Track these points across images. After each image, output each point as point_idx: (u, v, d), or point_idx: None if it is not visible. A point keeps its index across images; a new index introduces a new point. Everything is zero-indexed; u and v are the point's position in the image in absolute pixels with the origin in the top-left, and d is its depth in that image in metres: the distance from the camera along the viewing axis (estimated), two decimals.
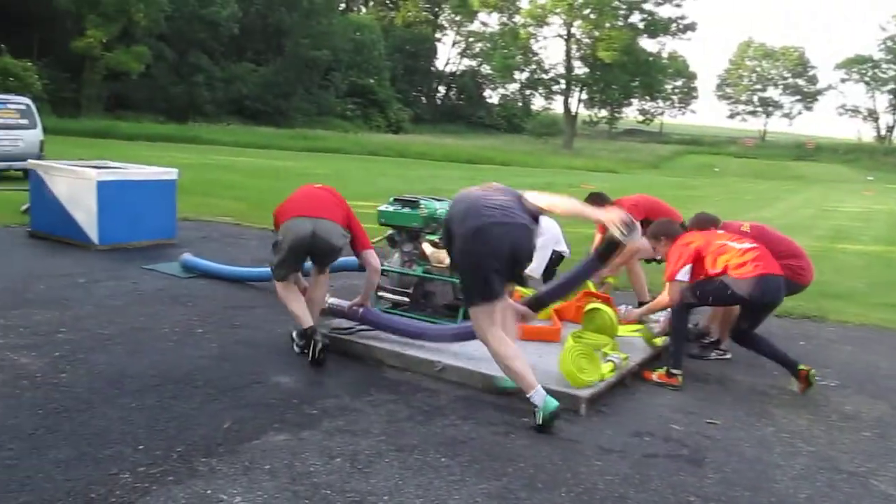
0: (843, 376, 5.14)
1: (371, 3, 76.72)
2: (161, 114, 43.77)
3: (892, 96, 70.08)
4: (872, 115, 72.96)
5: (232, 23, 49.70)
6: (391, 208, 5.81)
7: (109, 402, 3.98)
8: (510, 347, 4.06)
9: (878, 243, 11.45)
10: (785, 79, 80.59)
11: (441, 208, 5.69)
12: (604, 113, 68.99)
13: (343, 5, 67.66)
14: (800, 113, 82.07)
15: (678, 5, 57.84)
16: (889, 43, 67.18)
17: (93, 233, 8.35)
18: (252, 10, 53.76)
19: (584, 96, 62.46)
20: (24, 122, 15.15)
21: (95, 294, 6.35)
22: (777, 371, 5.17)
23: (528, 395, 3.94)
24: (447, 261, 5.48)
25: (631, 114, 77.26)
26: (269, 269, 6.86)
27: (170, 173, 9.21)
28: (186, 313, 5.88)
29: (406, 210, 5.72)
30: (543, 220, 4.77)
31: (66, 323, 5.41)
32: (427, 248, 5.64)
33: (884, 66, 68.67)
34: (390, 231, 5.90)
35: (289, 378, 4.52)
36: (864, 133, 76.64)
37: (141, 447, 3.47)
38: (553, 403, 3.89)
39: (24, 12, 39.04)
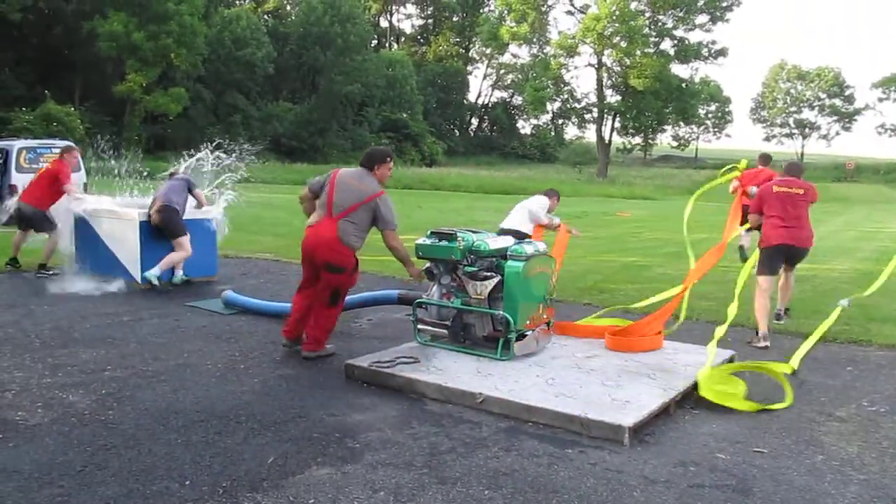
0: (894, 402, 5.02)
1: (403, 39, 77.77)
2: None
3: None
4: None
5: (267, 63, 50.74)
6: (428, 241, 5.83)
7: (156, 439, 4.04)
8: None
9: None
10: (821, 100, 79.72)
11: (478, 240, 5.71)
12: (637, 140, 68.75)
13: (375, 42, 68.66)
14: (837, 134, 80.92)
15: (708, 30, 57.75)
16: None
17: (136, 272, 8.51)
18: (287, 49, 54.87)
19: (618, 124, 62.37)
20: None
21: (140, 332, 6.46)
22: (825, 397, 5.08)
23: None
24: (486, 292, 5.51)
25: (665, 140, 76.95)
26: None
27: (211, 212, 9.36)
28: (229, 349, 5.96)
29: (443, 243, 5.74)
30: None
31: (112, 361, 5.52)
32: (465, 280, 5.65)
33: None
34: (428, 264, 5.92)
35: (331, 412, 4.54)
36: None
37: (188, 483, 3.52)
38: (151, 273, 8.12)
39: (66, 59, 40.30)
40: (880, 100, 71.79)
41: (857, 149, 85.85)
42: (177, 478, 3.57)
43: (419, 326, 5.84)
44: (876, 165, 64.57)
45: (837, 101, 78.92)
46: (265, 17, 59.37)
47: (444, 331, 5.76)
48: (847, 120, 78.93)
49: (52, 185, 9.15)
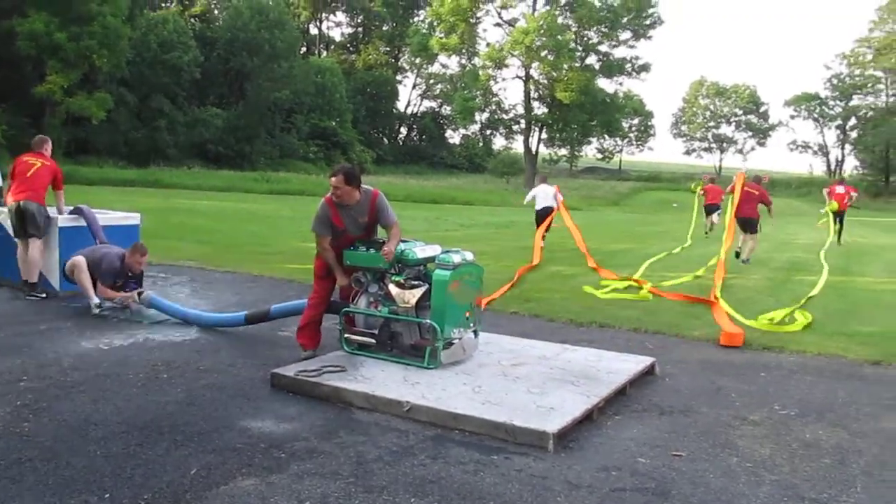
0: (804, 405, 5.24)
1: (332, 47, 77.30)
2: (122, 158, 43.50)
3: (839, 132, 72.06)
4: (822, 150, 74.87)
5: (194, 67, 49.73)
6: (356, 250, 5.84)
7: (74, 451, 3.94)
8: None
9: (832, 274, 11.72)
10: (737, 116, 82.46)
11: (406, 249, 5.74)
12: (564, 151, 69.78)
13: (304, 49, 68.08)
14: (753, 149, 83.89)
15: (632, 46, 59.10)
16: (834, 81, 69.25)
17: (54, 279, 8.25)
18: (214, 54, 53.85)
19: (544, 135, 63.25)
20: None
21: (58, 341, 6.27)
22: (739, 402, 5.27)
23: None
24: (413, 301, 5.54)
25: (590, 152, 78.40)
26: (236, 314, 6.89)
27: (133, 218, 9.16)
28: (151, 359, 5.83)
29: (371, 251, 5.76)
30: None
31: (29, 371, 5.34)
32: (393, 288, 5.67)
33: (830, 103, 70.66)
34: (356, 273, 5.92)
35: (256, 422, 4.50)
36: (816, 167, 78.59)
37: (107, 496, 3.44)
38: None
39: None
40: (792, 117, 74.76)
41: (771, 163, 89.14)
42: (96, 490, 3.48)
43: (346, 335, 5.83)
44: (788, 180, 66.93)
45: (753, 118, 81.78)
46: (192, 20, 58.23)
47: (372, 339, 5.76)
48: (762, 135, 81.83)
49: (49, 184, 8.36)
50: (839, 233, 18.34)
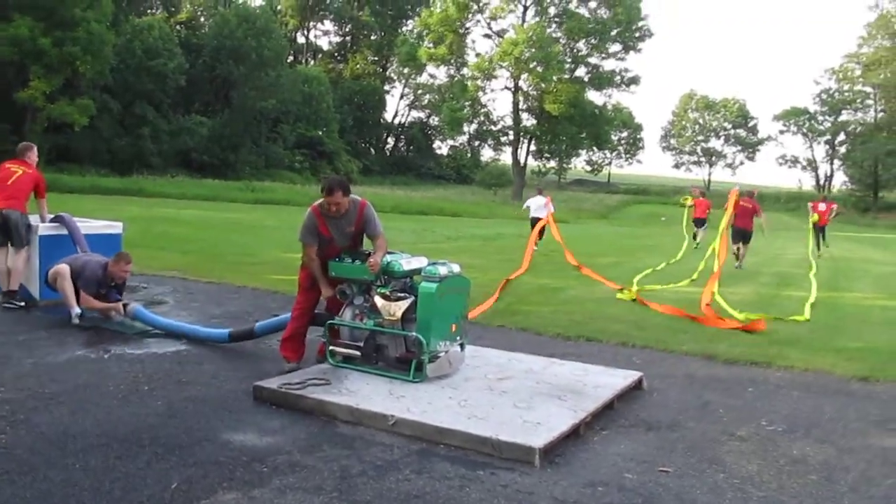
0: (791, 421, 5.22)
1: (319, 56, 77.34)
2: (105, 166, 43.27)
3: (828, 147, 72.72)
4: (811, 165, 75.51)
5: (179, 74, 49.60)
6: (342, 261, 5.79)
7: (52, 464, 3.86)
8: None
9: (820, 289, 11.77)
10: (727, 130, 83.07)
11: (392, 260, 5.70)
12: (552, 164, 70.03)
13: (291, 58, 68.09)
14: (742, 163, 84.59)
15: (622, 59, 59.50)
16: (823, 96, 69.92)
17: (34, 288, 8.15)
18: (199, 62, 53.79)
19: (533, 147, 63.46)
20: None
21: (37, 352, 6.17)
22: (727, 417, 5.24)
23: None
24: (399, 313, 5.48)
25: (579, 164, 78.79)
26: (220, 331, 6.80)
27: (115, 227, 9.07)
28: (132, 370, 5.74)
29: (357, 263, 5.71)
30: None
31: (6, 382, 5.25)
32: (378, 301, 5.62)
33: (819, 118, 71.33)
34: (341, 285, 5.87)
35: (239, 435, 4.43)
36: (805, 182, 79.28)
37: None
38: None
39: None
40: (781, 132, 75.34)
41: (760, 178, 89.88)
42: None
43: (331, 348, 5.77)
44: (777, 194, 67.46)
45: (742, 132, 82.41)
46: (178, 27, 58.17)
47: (357, 352, 5.70)
48: (751, 150, 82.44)
49: (30, 192, 8.30)
50: (818, 244, 20.43)
